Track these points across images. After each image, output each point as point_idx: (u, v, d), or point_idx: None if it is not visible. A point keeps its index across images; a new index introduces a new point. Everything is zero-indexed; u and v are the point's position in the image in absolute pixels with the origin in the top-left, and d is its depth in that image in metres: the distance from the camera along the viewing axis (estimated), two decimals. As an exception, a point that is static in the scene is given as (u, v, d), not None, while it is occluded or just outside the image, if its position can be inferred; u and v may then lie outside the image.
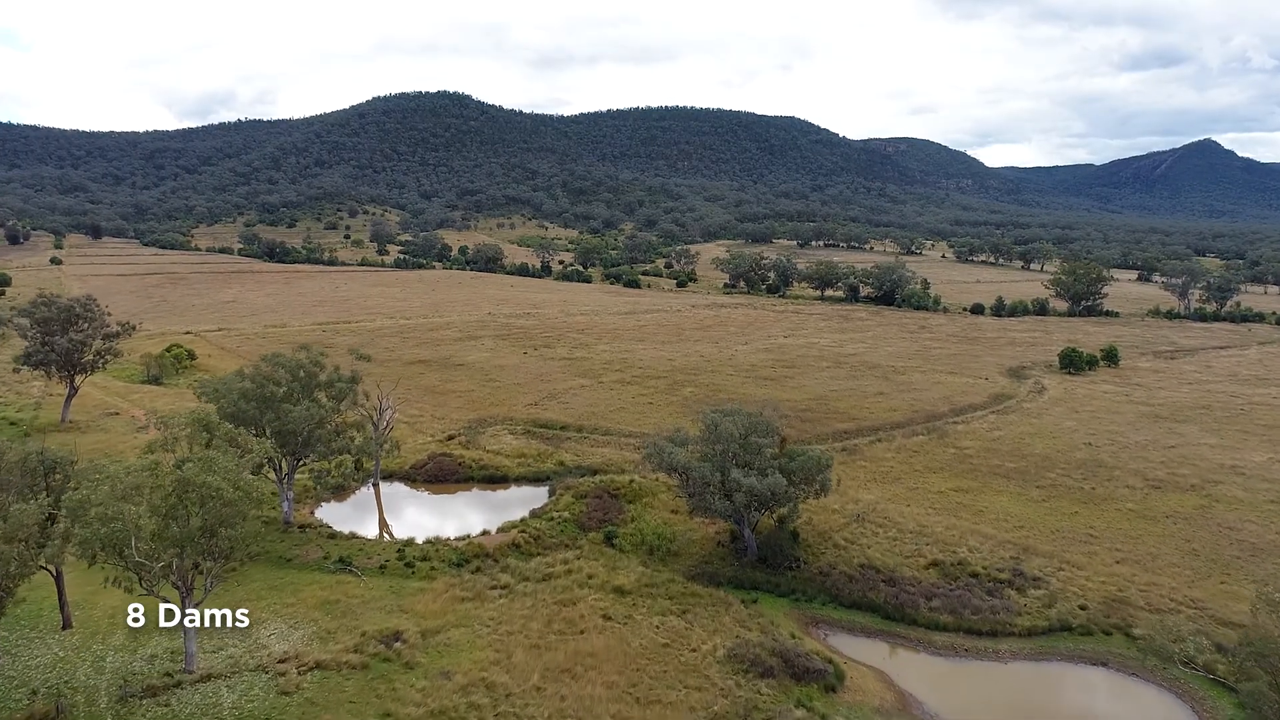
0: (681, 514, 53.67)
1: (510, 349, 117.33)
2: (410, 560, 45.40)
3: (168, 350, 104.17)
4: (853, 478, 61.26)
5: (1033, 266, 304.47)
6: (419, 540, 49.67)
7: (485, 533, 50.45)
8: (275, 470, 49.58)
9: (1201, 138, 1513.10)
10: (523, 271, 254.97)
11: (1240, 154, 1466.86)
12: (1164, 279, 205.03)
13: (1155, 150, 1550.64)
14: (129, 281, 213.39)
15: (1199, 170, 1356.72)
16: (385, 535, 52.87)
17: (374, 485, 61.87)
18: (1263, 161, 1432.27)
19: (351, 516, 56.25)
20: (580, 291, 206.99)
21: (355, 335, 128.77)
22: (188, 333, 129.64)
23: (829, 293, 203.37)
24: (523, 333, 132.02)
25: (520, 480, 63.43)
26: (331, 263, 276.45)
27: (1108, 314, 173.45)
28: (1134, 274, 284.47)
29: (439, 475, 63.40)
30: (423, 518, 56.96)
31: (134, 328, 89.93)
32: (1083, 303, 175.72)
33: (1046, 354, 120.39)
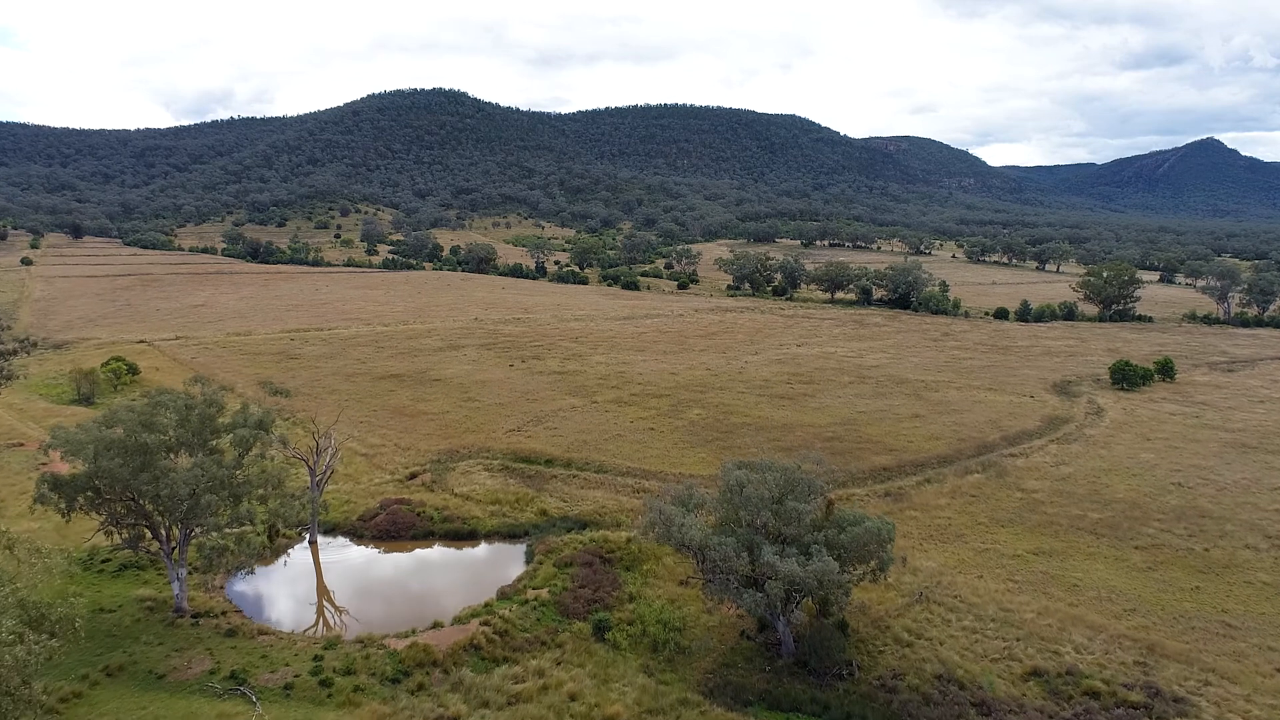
0: (694, 585, 41.86)
1: (495, 361, 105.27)
2: (328, 676, 33.33)
3: (106, 364, 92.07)
4: (904, 533, 49.33)
5: (1047, 267, 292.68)
6: (347, 637, 37.66)
7: (437, 625, 38.37)
8: (159, 540, 37.65)
9: (1204, 136, 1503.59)
10: (516, 273, 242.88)
11: (1243, 153, 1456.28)
12: (1201, 281, 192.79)
13: (1157, 149, 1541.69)
14: (98, 283, 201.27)
15: (1202, 169, 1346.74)
16: (315, 625, 40.80)
17: (310, 544, 49.88)
18: (1266, 161, 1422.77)
19: (272, 593, 44.29)
20: (575, 294, 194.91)
21: (326, 345, 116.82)
22: (141, 341, 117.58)
23: (839, 295, 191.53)
24: (510, 341, 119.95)
25: (492, 535, 51.38)
26: (316, 263, 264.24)
27: (1140, 319, 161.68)
28: (1154, 275, 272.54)
29: (393, 529, 51.36)
30: (361, 595, 44.84)
31: (34, 344, 77.43)
32: (1113, 307, 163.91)
33: (1089, 366, 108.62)
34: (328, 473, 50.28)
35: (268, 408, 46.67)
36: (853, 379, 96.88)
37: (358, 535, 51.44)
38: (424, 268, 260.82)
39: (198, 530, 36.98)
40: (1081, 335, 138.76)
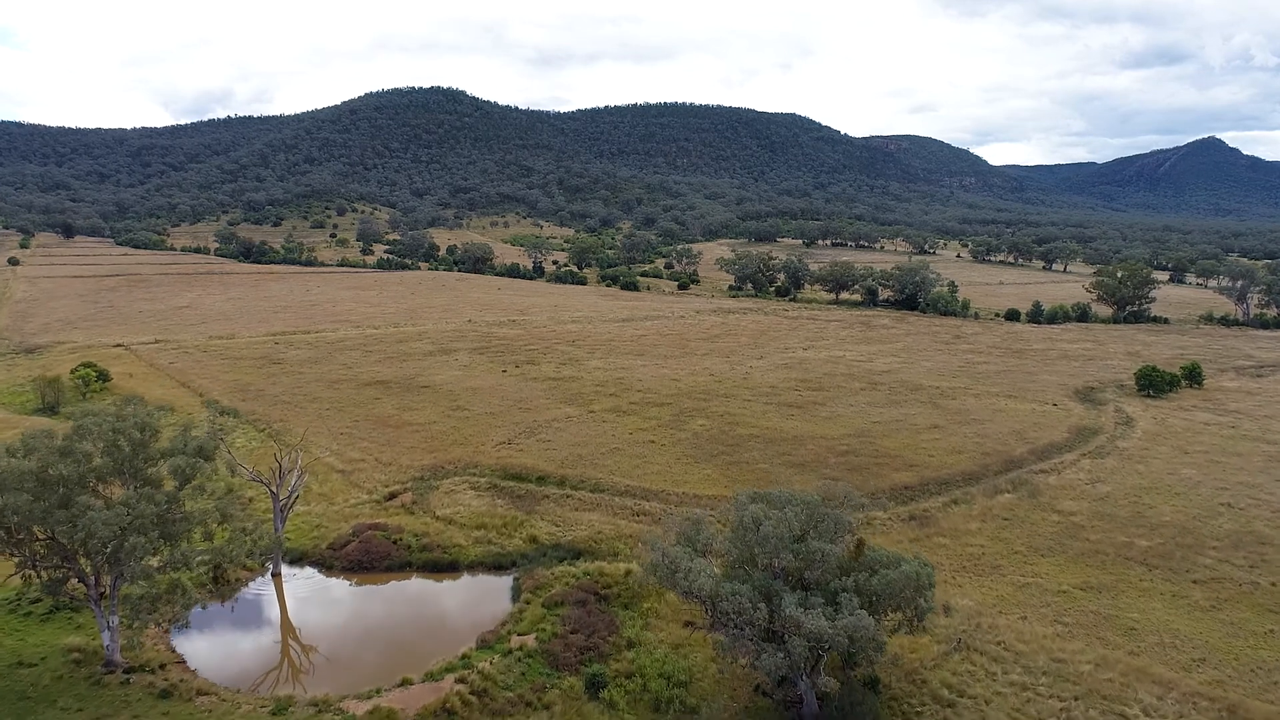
0: (701, 628, 36.76)
1: (487, 366, 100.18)
2: (272, 752, 28.36)
3: (74, 370, 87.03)
4: (935, 565, 44.27)
5: (1054, 267, 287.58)
6: (302, 698, 32.59)
7: (405, 682, 33.30)
8: (86, 585, 32.61)
9: (1205, 136, 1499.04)
10: (513, 273, 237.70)
11: (1245, 152, 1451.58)
12: (1214, 281, 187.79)
13: (1157, 149, 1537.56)
14: (83, 284, 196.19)
15: (1204, 168, 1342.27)
16: (267, 680, 35.71)
17: (274, 576, 44.84)
18: (1268, 160, 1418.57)
19: (225, 638, 39.25)
20: (573, 295, 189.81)
21: (311, 348, 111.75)
22: (118, 345, 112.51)
23: (844, 296, 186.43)
24: (504, 345, 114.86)
25: (476, 566, 46.32)
26: (309, 263, 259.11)
27: (1155, 320, 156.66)
28: (1164, 275, 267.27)
29: (365, 559, 46.30)
30: (325, 640, 39.70)
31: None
32: (1128, 308, 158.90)
33: (1111, 371, 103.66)
34: (293, 497, 45.20)
35: (214, 429, 41.56)
36: (864, 385, 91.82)
37: (327, 566, 46.39)
38: (419, 268, 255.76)
39: (123, 575, 31.85)
40: (1098, 337, 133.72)
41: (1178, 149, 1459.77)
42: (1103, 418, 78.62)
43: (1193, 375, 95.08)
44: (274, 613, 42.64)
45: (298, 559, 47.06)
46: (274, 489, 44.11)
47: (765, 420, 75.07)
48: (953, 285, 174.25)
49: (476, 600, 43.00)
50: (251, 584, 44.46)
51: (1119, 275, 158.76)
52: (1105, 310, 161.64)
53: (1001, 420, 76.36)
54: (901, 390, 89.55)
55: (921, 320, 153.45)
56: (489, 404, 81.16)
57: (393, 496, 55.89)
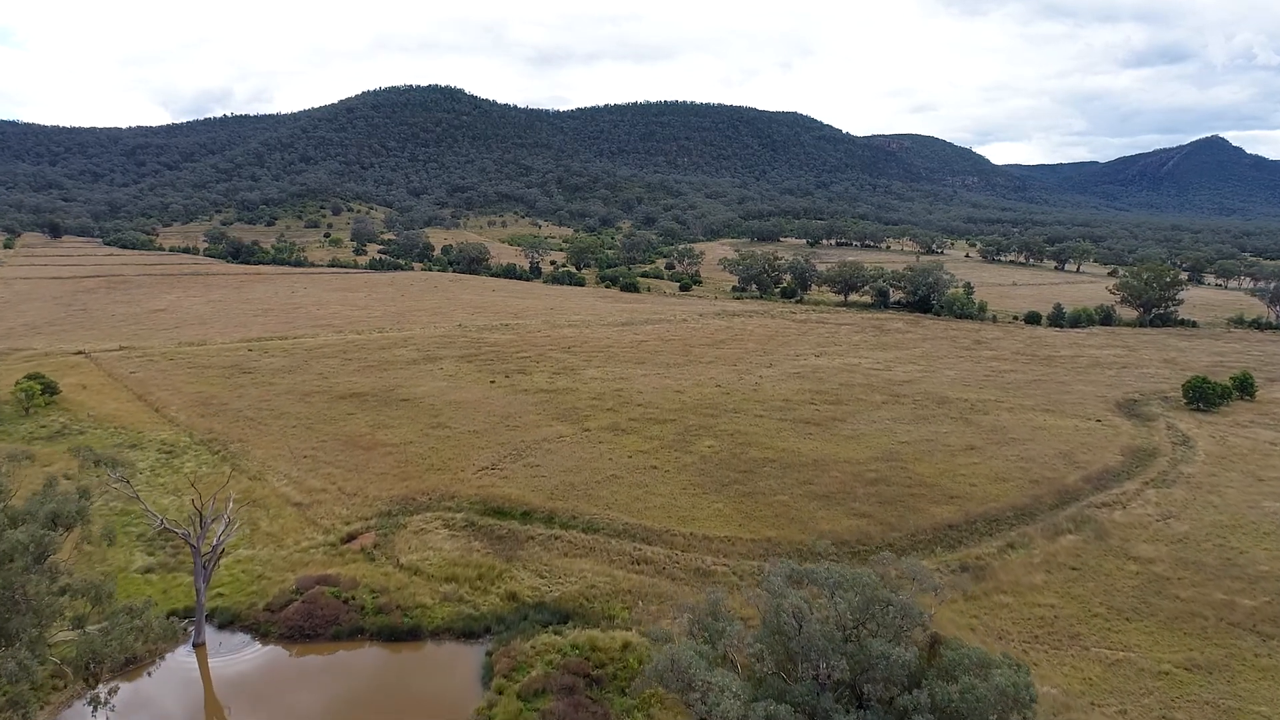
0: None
1: (474, 376, 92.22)
2: None
3: (19, 383, 78.97)
4: (998, 632, 36.46)
5: (1067, 267, 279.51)
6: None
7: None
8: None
9: (1208, 135, 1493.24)
10: (509, 273, 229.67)
11: (1249, 151, 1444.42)
12: (1240, 282, 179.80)
13: (1159, 148, 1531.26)
14: (61, 285, 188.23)
15: (1207, 168, 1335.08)
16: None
17: (195, 647, 36.86)
18: (1271, 159, 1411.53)
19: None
20: (571, 297, 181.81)
21: (287, 356, 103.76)
22: (78, 353, 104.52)
23: (853, 297, 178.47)
24: (494, 352, 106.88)
25: (442, 633, 38.29)
26: (299, 264, 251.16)
27: (1183, 323, 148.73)
28: (1182, 276, 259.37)
29: (309, 625, 38.32)
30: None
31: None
32: (1153, 310, 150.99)
33: (1149, 380, 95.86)
34: (217, 552, 37.13)
35: (81, 488, 33.47)
36: (885, 398, 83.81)
37: (262, 632, 38.39)
38: (413, 268, 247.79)
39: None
40: (1127, 343, 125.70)
41: (1181, 148, 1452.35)
42: (1155, 436, 70.59)
43: (1244, 386, 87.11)
44: (195, 694, 34.70)
45: (229, 621, 39.12)
46: (194, 541, 36.11)
47: (781, 440, 67.06)
48: (968, 287, 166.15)
49: (438, 684, 34.99)
50: (169, 657, 36.49)
51: (1144, 276, 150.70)
52: (1129, 313, 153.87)
53: (1044, 440, 68.36)
54: (927, 403, 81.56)
55: (937, 324, 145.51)
56: (473, 420, 73.15)
57: (352, 538, 47.90)
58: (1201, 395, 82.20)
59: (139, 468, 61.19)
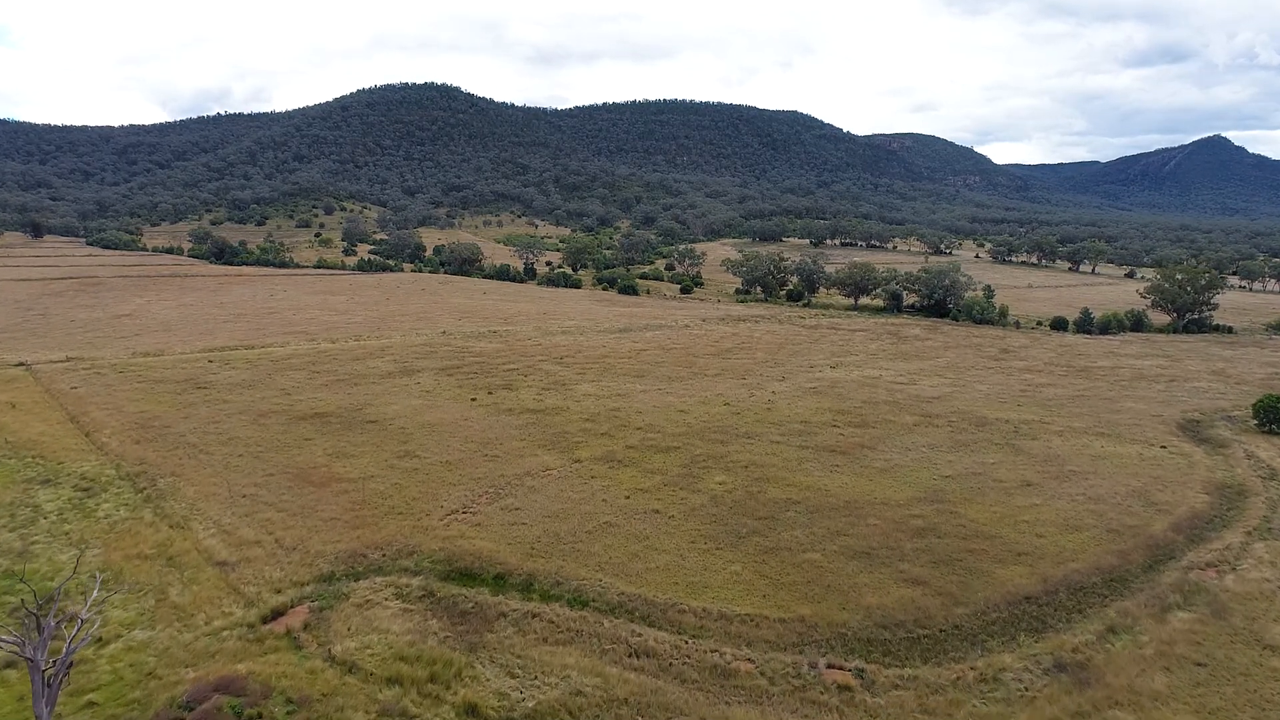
0: None
1: (454, 393, 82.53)
2: None
3: (-69, 403, 69.21)
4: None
5: (1081, 268, 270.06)
6: None
7: None
8: None
9: (1210, 134, 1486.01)
10: (502, 275, 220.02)
11: (1251, 151, 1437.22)
12: (1264, 284, 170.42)
13: (1160, 147, 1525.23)
14: (27, 288, 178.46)
15: (1209, 167, 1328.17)
16: None
17: (36, 792, 27.09)
18: (1273, 158, 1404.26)
19: None
20: (566, 300, 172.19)
21: (249, 368, 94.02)
22: (19, 365, 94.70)
23: (863, 301, 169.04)
24: (479, 364, 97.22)
25: (374, 769, 28.62)
26: (283, 265, 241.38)
27: (1219, 329, 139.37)
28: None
29: (196, 755, 28.59)
30: None
31: None
32: (1187, 315, 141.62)
33: (1204, 396, 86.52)
34: (63, 671, 27.24)
35: None
36: (916, 419, 74.17)
37: (134, 766, 28.67)
38: (402, 269, 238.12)
39: None
40: (1166, 352, 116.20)
41: (1183, 147, 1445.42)
42: (1238, 469, 60.96)
43: (1317, 405, 77.46)
44: None
45: (94, 747, 29.37)
46: (32, 655, 26.32)
47: (804, 475, 57.39)
48: (988, 290, 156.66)
49: None
50: (-1, 807, 26.76)
51: (1178, 278, 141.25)
52: (1160, 318, 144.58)
53: (1109, 473, 58.73)
54: (965, 426, 71.94)
55: (957, 330, 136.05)
56: (447, 448, 63.45)
57: (279, 614, 38.17)
58: (1273, 416, 72.61)
59: (45, 510, 51.49)
